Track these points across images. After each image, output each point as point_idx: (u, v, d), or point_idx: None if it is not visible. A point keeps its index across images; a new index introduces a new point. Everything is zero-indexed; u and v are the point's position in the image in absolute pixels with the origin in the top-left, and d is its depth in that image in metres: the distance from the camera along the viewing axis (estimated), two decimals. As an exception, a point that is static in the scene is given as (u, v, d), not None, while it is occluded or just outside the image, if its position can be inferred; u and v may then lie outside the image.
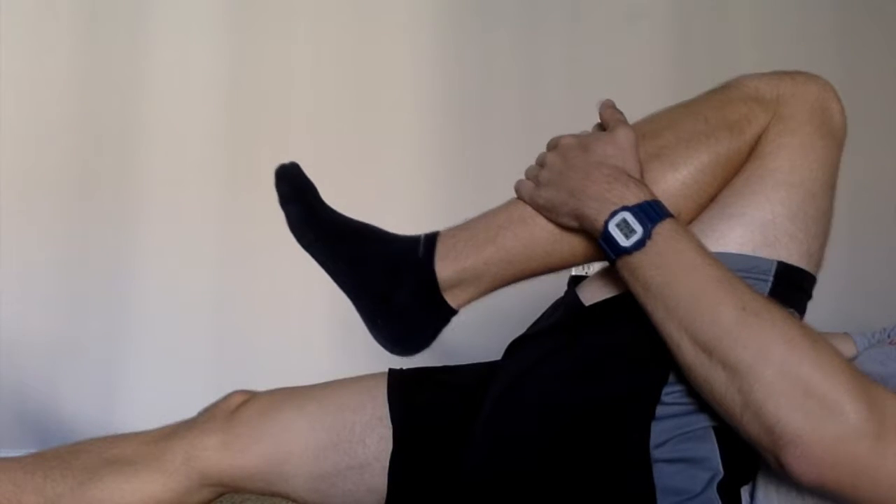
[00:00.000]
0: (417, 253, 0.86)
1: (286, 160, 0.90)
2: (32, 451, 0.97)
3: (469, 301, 0.88)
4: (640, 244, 0.73)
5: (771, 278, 0.78)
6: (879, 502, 0.63)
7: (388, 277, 0.86)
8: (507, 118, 1.98)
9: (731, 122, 0.82)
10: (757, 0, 2.07)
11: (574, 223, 0.81)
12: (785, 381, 0.64)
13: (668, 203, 0.77)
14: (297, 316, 1.88)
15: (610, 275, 0.86)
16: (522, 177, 0.87)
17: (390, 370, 0.97)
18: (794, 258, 0.78)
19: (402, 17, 2.00)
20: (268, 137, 1.90)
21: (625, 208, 0.75)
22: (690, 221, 0.83)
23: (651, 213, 0.74)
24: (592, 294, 0.86)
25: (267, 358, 1.85)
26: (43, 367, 1.83)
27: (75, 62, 1.91)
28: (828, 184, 0.81)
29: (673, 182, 0.81)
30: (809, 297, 0.82)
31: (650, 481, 0.74)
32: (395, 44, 1.99)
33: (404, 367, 0.98)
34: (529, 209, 0.86)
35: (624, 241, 0.74)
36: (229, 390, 0.99)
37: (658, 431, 0.75)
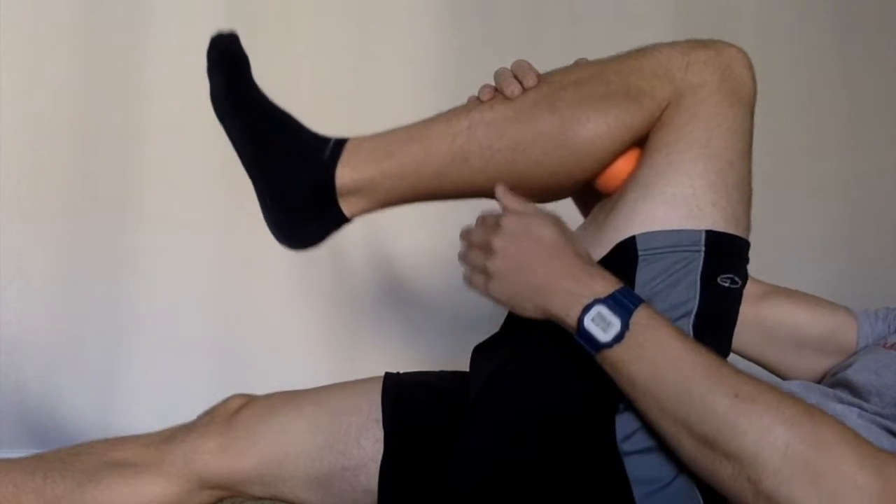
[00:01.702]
0: (323, 154, 0.86)
1: (226, 29, 0.89)
2: (32, 451, 0.97)
3: (363, 212, 0.88)
4: (619, 337, 0.72)
5: (703, 248, 0.78)
6: None
7: (289, 169, 0.86)
8: (506, 118, 1.98)
9: (632, 90, 0.82)
10: (757, 0, 2.06)
11: (539, 317, 0.78)
12: (793, 465, 0.64)
13: None
14: (296, 319, 1.88)
15: None
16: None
17: (386, 373, 0.98)
18: (721, 225, 0.79)
19: (402, 18, 1.99)
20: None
21: (597, 301, 0.73)
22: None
23: (624, 302, 0.73)
24: None
25: (266, 361, 1.85)
26: (43, 367, 1.83)
27: (75, 62, 1.91)
28: (744, 150, 0.82)
29: (570, 139, 0.81)
30: (747, 261, 0.83)
31: (623, 475, 0.75)
32: (395, 44, 1.99)
33: (401, 371, 0.99)
34: (430, 129, 0.86)
35: (602, 337, 0.72)
36: (229, 393, 1.00)
37: (623, 424, 0.76)
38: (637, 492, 0.74)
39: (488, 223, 0.81)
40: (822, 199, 1.98)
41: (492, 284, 0.79)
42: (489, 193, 0.84)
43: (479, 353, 0.89)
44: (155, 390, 1.81)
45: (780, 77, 1.86)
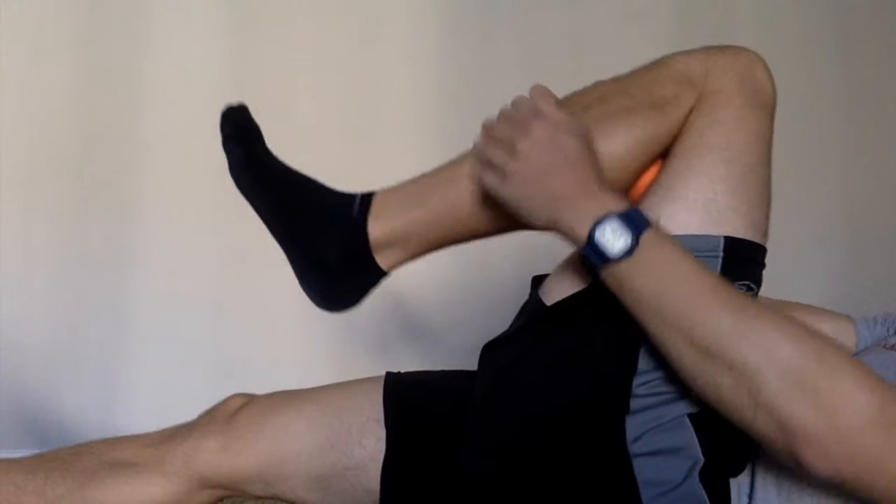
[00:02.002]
0: (352, 211, 0.85)
1: (234, 103, 0.89)
2: (32, 451, 0.97)
3: (399, 263, 0.87)
4: (629, 252, 0.71)
5: (721, 253, 0.78)
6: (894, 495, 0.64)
7: (320, 232, 0.85)
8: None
9: (657, 100, 0.82)
10: (757, 0, 2.06)
11: (546, 227, 0.78)
12: (794, 379, 0.64)
13: None
14: (297, 318, 1.88)
15: (568, 271, 0.86)
16: (474, 151, 0.82)
17: (388, 373, 0.98)
18: (740, 231, 0.79)
19: (403, 18, 1.99)
20: (268, 138, 1.90)
21: (610, 215, 0.72)
22: None
23: (636, 220, 0.73)
24: (552, 293, 0.86)
25: (267, 361, 1.85)
26: (43, 367, 1.83)
27: (75, 62, 1.91)
28: (764, 154, 0.82)
29: (598, 156, 0.80)
30: (763, 266, 0.83)
31: (632, 476, 0.74)
32: (396, 44, 1.99)
33: (402, 371, 0.99)
34: (458, 170, 0.85)
35: (612, 250, 0.72)
36: (229, 393, 1.00)
37: (633, 425, 0.76)
38: (645, 494, 0.74)
39: (516, 121, 0.78)
40: (822, 199, 1.98)
41: (506, 184, 0.78)
42: (526, 225, 0.83)
43: (489, 351, 0.88)
44: (155, 390, 1.82)
45: (779, 77, 1.85)
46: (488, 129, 0.80)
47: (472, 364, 0.97)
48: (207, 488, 0.92)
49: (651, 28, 2.01)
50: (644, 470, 0.75)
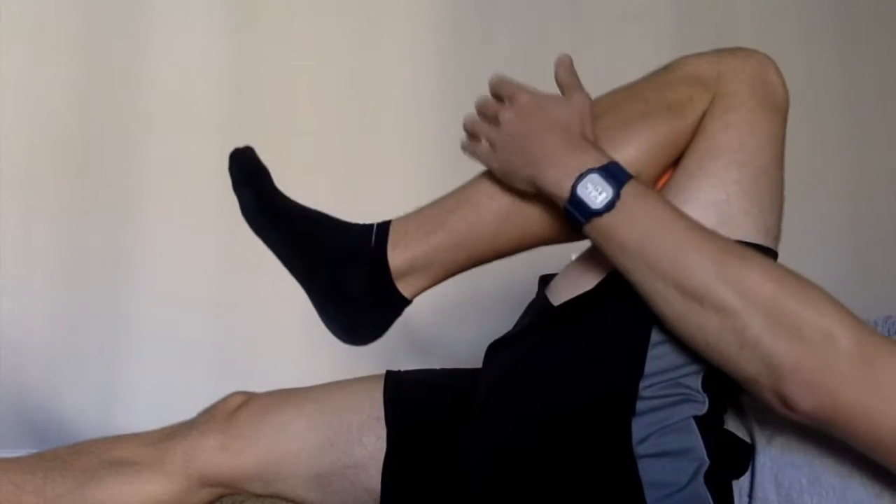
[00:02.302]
0: (370, 242, 0.85)
1: (241, 145, 0.89)
2: (32, 451, 0.97)
3: (422, 289, 0.87)
4: (610, 205, 0.73)
5: None
6: (871, 433, 0.65)
7: (340, 266, 0.85)
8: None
9: (672, 103, 0.82)
10: (757, 0, 2.06)
11: (530, 189, 0.80)
12: (778, 315, 0.66)
13: None
14: (296, 317, 1.87)
15: (576, 272, 0.86)
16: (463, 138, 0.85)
17: (388, 372, 0.97)
18: (752, 235, 0.79)
19: (403, 17, 2.00)
20: (268, 138, 1.89)
21: (590, 171, 0.74)
22: None
23: (617, 173, 0.74)
24: (560, 293, 0.86)
25: (267, 359, 1.85)
26: (43, 367, 1.83)
27: (75, 62, 1.91)
28: (777, 156, 0.82)
29: None
30: None
31: (636, 478, 0.74)
32: (396, 44, 1.99)
33: (402, 370, 0.99)
34: (475, 191, 0.85)
35: (594, 203, 0.73)
36: (229, 391, 0.99)
37: (639, 427, 0.75)
38: (649, 496, 0.74)
39: (505, 94, 0.82)
40: (822, 200, 1.98)
41: (490, 154, 0.82)
42: (549, 239, 0.84)
43: (495, 350, 0.88)
44: (155, 390, 1.82)
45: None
46: (478, 106, 0.84)
47: (472, 363, 0.97)
48: (207, 487, 0.92)
49: (651, 28, 2.02)
50: (649, 471, 0.74)
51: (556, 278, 0.89)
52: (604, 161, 0.75)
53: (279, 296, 1.90)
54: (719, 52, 0.85)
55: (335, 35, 1.98)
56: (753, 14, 2.05)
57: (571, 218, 0.76)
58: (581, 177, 0.74)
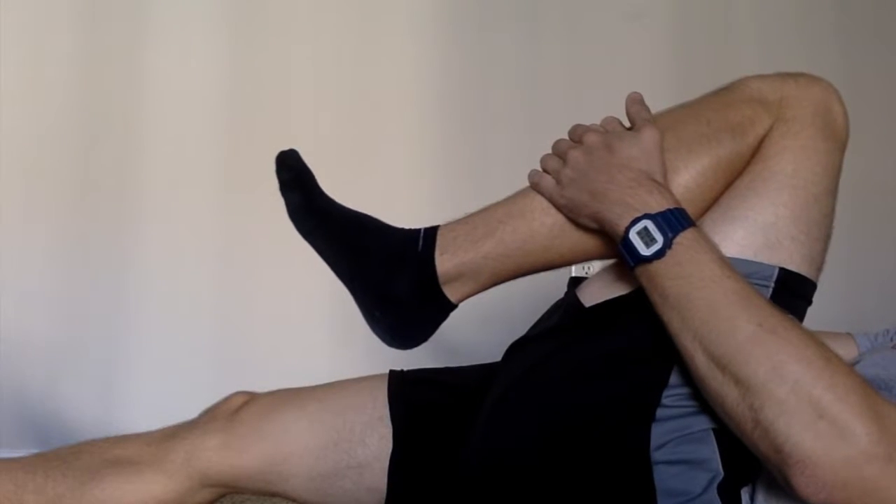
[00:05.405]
0: (417, 246, 0.85)
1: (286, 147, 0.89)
2: (32, 451, 0.97)
3: (468, 295, 0.87)
4: (659, 254, 0.73)
5: (772, 284, 0.78)
6: None
7: (387, 270, 0.85)
8: (507, 118, 1.98)
9: (734, 125, 0.81)
10: (757, 0, 2.07)
11: (593, 225, 0.80)
12: (797, 401, 0.64)
13: None
14: (298, 316, 1.88)
15: (610, 276, 0.86)
16: (534, 169, 0.86)
17: (391, 371, 0.98)
18: (797, 262, 0.78)
19: (403, 17, 2.00)
20: (268, 138, 1.90)
21: (647, 216, 0.74)
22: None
23: (673, 221, 0.74)
24: (593, 295, 0.86)
25: (268, 359, 1.85)
26: (43, 367, 1.83)
27: (75, 62, 1.91)
28: (830, 187, 0.81)
29: (675, 186, 0.80)
30: (809, 303, 0.82)
31: (651, 483, 0.74)
32: (396, 43, 1.99)
33: (405, 369, 0.99)
34: (529, 204, 0.85)
35: (644, 250, 0.74)
36: (230, 391, 0.99)
37: (658, 433, 0.75)
38: (662, 502, 0.74)
39: (576, 136, 0.83)
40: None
41: (557, 190, 0.82)
42: (601, 255, 0.84)
43: (519, 347, 0.89)
44: (155, 390, 1.82)
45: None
46: (553, 145, 0.85)
47: (473, 362, 0.97)
48: (208, 486, 0.92)
49: (651, 28, 2.02)
50: (664, 478, 0.74)
51: (589, 280, 0.90)
52: (664, 206, 0.74)
53: (280, 295, 1.90)
54: (783, 76, 0.84)
55: (335, 34, 1.98)
56: (753, 14, 2.05)
57: (623, 258, 0.76)
58: (635, 221, 0.74)
